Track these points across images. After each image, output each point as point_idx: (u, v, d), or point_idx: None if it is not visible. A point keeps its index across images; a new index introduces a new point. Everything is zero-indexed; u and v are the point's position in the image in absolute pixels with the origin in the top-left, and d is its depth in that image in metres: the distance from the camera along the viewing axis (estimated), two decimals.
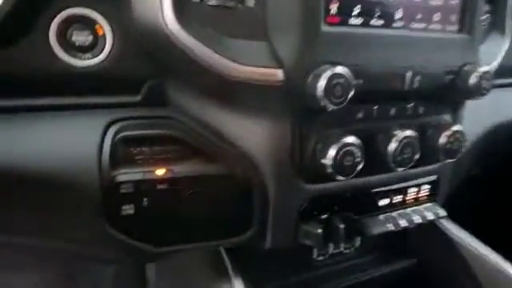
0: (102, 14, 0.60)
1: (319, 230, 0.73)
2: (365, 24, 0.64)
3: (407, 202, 0.84)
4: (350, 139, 0.66)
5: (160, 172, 0.65)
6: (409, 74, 0.68)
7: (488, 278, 0.91)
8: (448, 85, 0.73)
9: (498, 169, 1.25)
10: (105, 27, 0.61)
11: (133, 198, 0.63)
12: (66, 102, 0.63)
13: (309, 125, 0.66)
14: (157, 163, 0.65)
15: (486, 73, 0.71)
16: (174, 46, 0.57)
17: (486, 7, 0.83)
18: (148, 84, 0.66)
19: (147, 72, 0.66)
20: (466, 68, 0.72)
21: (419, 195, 0.86)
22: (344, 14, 0.62)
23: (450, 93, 0.74)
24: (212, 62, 0.58)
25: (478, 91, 0.72)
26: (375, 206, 0.81)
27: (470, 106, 0.82)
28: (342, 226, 0.75)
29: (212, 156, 0.68)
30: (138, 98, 0.67)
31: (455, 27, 0.73)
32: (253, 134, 0.67)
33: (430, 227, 1.02)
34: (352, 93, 0.60)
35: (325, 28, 0.60)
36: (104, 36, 0.61)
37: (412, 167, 0.77)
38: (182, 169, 0.66)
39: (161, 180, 0.64)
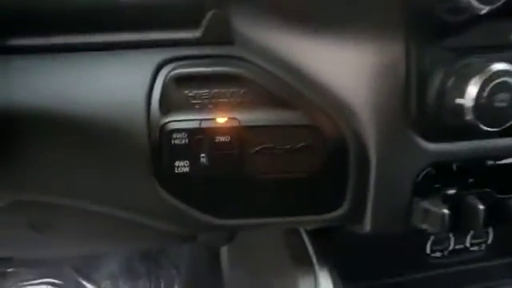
0: None
1: (445, 210, 0.50)
2: None
3: None
4: (502, 66, 0.42)
5: (221, 120, 0.50)
6: None
7: None
8: None
9: None
10: None
11: (187, 153, 0.49)
12: (110, 40, 0.52)
13: (435, 48, 0.45)
14: (218, 109, 0.50)
15: None
16: None
17: None
18: (209, 15, 0.52)
19: None
20: None
21: None
22: None
23: None
24: None
25: None
26: None
27: None
28: (481, 206, 0.51)
29: (289, 102, 0.50)
30: (198, 33, 0.53)
31: None
32: (346, 68, 0.48)
33: None
34: None
35: None
36: None
37: None
38: (250, 117, 0.49)
39: (222, 130, 0.49)
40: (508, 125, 0.44)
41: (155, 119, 0.49)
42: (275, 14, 0.50)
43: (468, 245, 0.73)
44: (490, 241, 0.73)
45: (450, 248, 0.72)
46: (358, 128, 0.50)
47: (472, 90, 0.42)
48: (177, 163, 0.50)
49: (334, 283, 0.56)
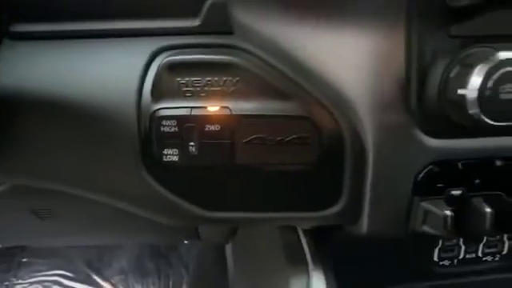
0: None
1: (447, 212, 0.47)
2: None
3: None
4: (510, 55, 0.39)
5: (212, 108, 0.48)
6: None
7: None
8: None
9: None
10: None
11: (177, 141, 0.48)
12: (109, 27, 0.52)
13: (438, 36, 0.42)
14: (210, 97, 0.48)
15: None
16: None
17: None
18: (208, 4, 0.51)
19: None
20: None
21: None
22: None
23: None
24: None
25: None
26: None
27: None
28: (488, 209, 0.47)
29: (284, 92, 0.48)
30: (197, 22, 0.52)
31: None
32: (344, 59, 0.46)
33: None
34: None
35: None
36: None
37: None
38: (242, 106, 0.48)
39: (213, 119, 0.48)
40: None
41: (146, 106, 0.49)
42: (275, 3, 0.48)
43: (480, 254, 0.67)
44: (505, 251, 0.68)
45: (460, 257, 0.67)
46: (356, 121, 0.47)
47: (476, 80, 0.38)
48: (165, 151, 0.49)
49: (328, 285, 0.53)
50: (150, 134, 0.48)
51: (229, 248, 1.02)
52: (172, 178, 0.50)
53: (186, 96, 0.49)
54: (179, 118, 0.48)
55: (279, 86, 0.48)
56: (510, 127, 0.42)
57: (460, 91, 0.39)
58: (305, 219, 0.53)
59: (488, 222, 0.47)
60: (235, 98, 0.48)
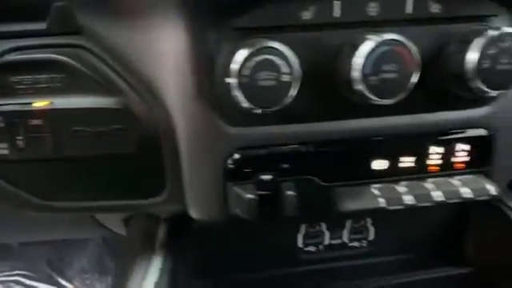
0: None
1: (251, 195, 0.49)
2: None
3: (427, 167, 0.53)
4: (270, 44, 0.41)
5: (37, 104, 0.52)
6: None
7: None
8: None
9: None
10: None
11: (5, 135, 0.52)
12: None
13: (219, 29, 0.44)
14: (37, 94, 0.52)
15: None
16: None
17: None
18: (54, 8, 0.55)
19: None
20: None
21: (449, 158, 0.53)
22: None
23: None
24: None
25: None
26: (365, 169, 0.52)
27: None
28: (290, 192, 0.49)
29: (108, 87, 0.51)
30: (44, 25, 0.56)
31: None
32: (150, 54, 0.49)
33: (496, 222, 0.64)
34: None
35: None
36: None
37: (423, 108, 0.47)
38: (65, 101, 0.51)
39: (36, 114, 0.51)
40: (281, 105, 0.43)
41: None
42: (100, 5, 0.52)
43: (346, 240, 0.69)
44: (371, 237, 0.69)
45: (326, 243, 0.69)
46: (168, 112, 0.50)
47: (235, 65, 0.41)
48: None
49: (162, 274, 0.56)
50: None
51: None
52: (6, 171, 0.53)
53: (18, 94, 0.52)
54: (6, 114, 0.51)
55: (103, 82, 0.52)
56: (286, 114, 0.45)
57: (226, 79, 0.42)
58: (134, 206, 0.56)
59: (291, 204, 0.49)
60: (60, 94, 0.52)
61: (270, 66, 0.41)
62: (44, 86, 0.52)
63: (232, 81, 0.41)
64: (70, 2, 0.54)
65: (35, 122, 0.51)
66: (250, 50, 0.41)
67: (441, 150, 0.52)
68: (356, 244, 0.69)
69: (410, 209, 0.64)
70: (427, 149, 0.52)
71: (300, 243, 0.68)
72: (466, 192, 0.50)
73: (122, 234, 0.81)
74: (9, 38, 0.55)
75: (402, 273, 0.68)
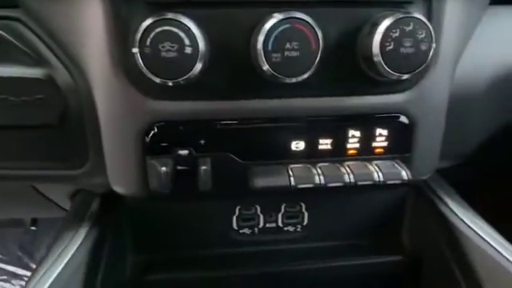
0: None
1: (164, 169, 0.50)
2: None
3: (347, 150, 0.54)
4: (173, 16, 0.42)
5: None
6: None
7: None
8: None
9: None
10: None
11: None
12: None
13: (134, 4, 0.45)
14: None
15: None
16: None
17: None
18: None
19: None
20: None
21: (368, 143, 0.53)
22: None
23: None
24: None
25: None
26: (283, 149, 0.53)
27: None
28: (204, 167, 0.50)
29: (35, 57, 0.52)
30: None
31: None
32: (77, 24, 0.50)
33: (429, 212, 0.65)
34: None
35: None
36: None
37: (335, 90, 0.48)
38: None
39: None
40: (183, 80, 0.43)
41: None
42: None
43: (281, 224, 0.70)
44: (305, 222, 0.70)
45: (260, 226, 0.70)
46: (89, 83, 0.51)
47: (137, 36, 0.42)
48: None
49: (85, 243, 0.57)
50: None
51: None
52: None
53: None
54: None
55: (32, 54, 0.52)
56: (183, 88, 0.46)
57: (133, 49, 0.43)
58: (57, 177, 0.57)
59: (203, 179, 0.50)
60: None
61: (172, 37, 0.42)
62: None
63: (135, 50, 0.42)
64: None
65: None
66: (152, 21, 0.42)
67: (359, 134, 0.53)
68: (290, 228, 0.70)
69: (344, 195, 0.66)
70: (346, 132, 0.53)
71: (235, 225, 0.69)
72: (378, 175, 0.51)
73: None
74: None
75: (335, 258, 0.69)
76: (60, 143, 0.55)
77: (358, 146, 0.54)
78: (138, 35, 0.42)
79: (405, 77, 0.47)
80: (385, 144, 0.54)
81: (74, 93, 0.52)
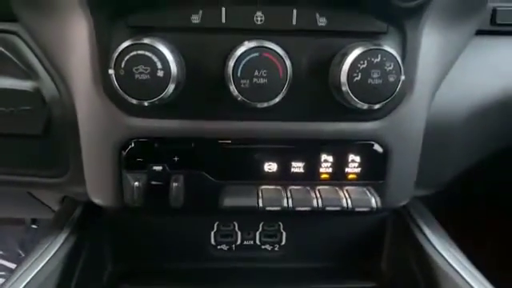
0: None
1: (136, 183, 0.51)
2: None
3: (320, 174, 0.54)
4: (146, 41, 0.44)
5: None
6: None
7: None
8: None
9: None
10: None
11: None
12: None
13: (116, 26, 0.48)
14: None
15: None
16: None
17: None
18: None
19: None
20: None
21: (340, 168, 0.54)
22: None
23: None
24: None
25: None
26: (256, 171, 0.54)
27: None
28: (176, 184, 0.52)
29: (26, 70, 0.55)
30: None
31: None
32: (60, 41, 0.52)
33: (406, 240, 0.65)
34: None
35: None
36: None
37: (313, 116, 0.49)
38: None
39: None
40: (155, 101, 0.45)
41: None
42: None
43: (259, 242, 0.71)
44: (283, 242, 0.71)
45: (238, 243, 0.70)
46: (71, 98, 0.53)
47: (112, 59, 0.44)
48: None
49: (62, 250, 0.59)
50: None
51: None
52: None
53: None
54: None
55: (24, 67, 0.55)
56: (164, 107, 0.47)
57: (110, 70, 0.45)
58: (40, 185, 0.59)
59: (173, 195, 0.51)
60: None
61: (146, 61, 0.44)
62: None
63: (111, 72, 0.45)
64: None
65: None
66: (127, 44, 0.44)
67: (331, 159, 0.54)
68: (268, 247, 0.71)
69: (323, 217, 0.66)
70: (319, 157, 0.54)
71: (213, 240, 0.70)
72: (346, 202, 0.52)
73: None
74: None
75: (311, 282, 0.69)
76: (44, 152, 0.57)
77: (330, 170, 0.55)
78: (114, 57, 0.44)
79: (375, 107, 0.47)
80: (357, 170, 0.55)
81: (58, 105, 0.55)
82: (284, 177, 0.54)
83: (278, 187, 0.53)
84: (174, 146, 0.52)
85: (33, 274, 0.54)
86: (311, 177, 0.54)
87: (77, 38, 0.51)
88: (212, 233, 0.69)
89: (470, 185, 0.69)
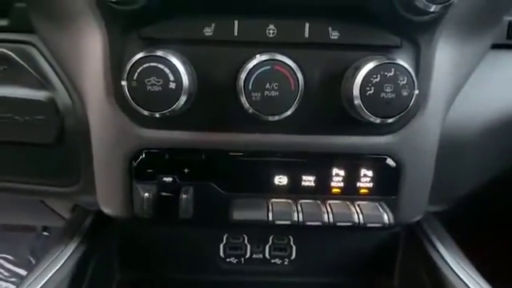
0: None
1: (146, 194, 0.51)
2: None
3: (329, 188, 0.53)
4: (159, 53, 0.44)
5: None
6: None
7: None
8: None
9: None
10: None
11: None
12: None
13: (129, 38, 0.48)
14: None
15: None
16: None
17: None
18: (16, 8, 0.61)
19: None
20: None
21: (352, 183, 0.53)
22: None
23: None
24: None
25: None
26: (266, 183, 0.53)
27: None
28: (185, 196, 0.51)
29: (41, 80, 0.56)
30: (5, 21, 0.62)
31: None
32: (73, 53, 0.53)
33: (418, 256, 0.63)
34: None
35: None
36: None
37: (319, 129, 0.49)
38: (2, 90, 0.56)
39: None
40: (167, 112, 0.45)
41: None
42: (43, 9, 0.56)
43: (268, 256, 0.70)
44: (293, 256, 0.69)
45: (247, 256, 0.69)
46: (85, 109, 0.54)
47: (125, 70, 0.45)
48: None
49: (71, 258, 0.59)
50: None
51: None
52: None
53: None
54: None
55: (40, 77, 0.56)
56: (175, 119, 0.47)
57: (122, 82, 0.45)
58: (51, 193, 0.59)
59: (182, 207, 0.51)
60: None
61: (158, 73, 0.44)
62: None
63: (123, 83, 0.45)
64: (29, 3, 0.60)
65: None
66: (140, 56, 0.44)
67: (343, 173, 0.53)
68: (278, 261, 0.70)
69: (334, 231, 0.65)
70: (330, 170, 0.53)
71: (222, 253, 0.69)
72: (358, 217, 0.50)
73: None
74: None
75: None
76: (56, 162, 0.58)
77: (342, 185, 0.54)
78: (127, 69, 0.44)
79: (388, 121, 0.47)
80: (370, 185, 0.54)
81: (71, 115, 0.56)
82: (294, 190, 0.54)
83: (289, 201, 0.53)
84: (184, 157, 0.52)
85: (43, 283, 0.54)
86: (322, 191, 0.54)
87: (91, 49, 0.52)
88: (221, 245, 0.69)
89: (485, 200, 0.67)
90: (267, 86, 0.44)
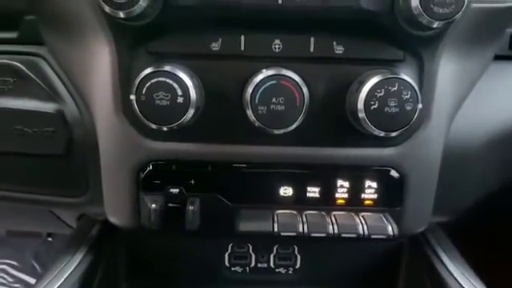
0: None
1: (153, 205, 0.52)
2: None
3: (334, 199, 0.54)
4: (167, 68, 0.45)
5: None
6: None
7: None
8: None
9: None
10: None
11: None
12: None
13: (136, 52, 0.49)
14: None
15: None
16: None
17: None
18: (25, 20, 0.62)
19: (22, 6, 0.62)
20: None
21: (357, 194, 0.54)
22: None
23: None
24: None
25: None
26: (272, 195, 0.54)
27: None
28: (192, 207, 0.52)
29: (50, 93, 0.57)
30: (15, 34, 0.63)
31: None
32: (85, 66, 0.54)
33: (423, 267, 0.63)
34: None
35: None
36: None
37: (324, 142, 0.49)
38: (8, 102, 0.57)
39: None
40: (175, 126, 0.46)
41: None
42: (52, 22, 0.58)
43: (273, 265, 0.70)
44: (298, 265, 0.70)
45: (252, 265, 0.70)
46: (93, 119, 0.55)
47: (134, 85, 0.45)
48: None
49: (78, 268, 0.59)
50: None
51: None
52: None
53: None
54: None
55: (48, 89, 0.58)
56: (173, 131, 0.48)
57: (131, 96, 0.46)
58: (60, 203, 0.60)
59: (189, 218, 0.52)
60: (6, 96, 0.58)
61: (166, 87, 0.45)
62: None
63: (132, 97, 0.46)
64: (38, 16, 0.61)
65: None
66: (149, 71, 0.45)
67: (347, 184, 0.54)
68: (282, 270, 0.70)
69: (337, 241, 0.66)
70: (335, 182, 0.54)
71: (227, 262, 0.70)
72: (363, 229, 0.51)
73: None
74: None
75: None
76: (64, 172, 0.59)
77: (346, 196, 0.54)
78: (136, 84, 0.45)
79: (392, 134, 0.47)
80: (374, 196, 0.54)
81: (79, 127, 0.57)
82: (299, 201, 0.54)
83: (294, 212, 0.53)
84: (191, 169, 0.53)
85: None
86: (327, 202, 0.54)
87: (99, 63, 0.53)
88: (226, 254, 0.69)
89: (490, 211, 0.67)
90: (273, 100, 0.45)
